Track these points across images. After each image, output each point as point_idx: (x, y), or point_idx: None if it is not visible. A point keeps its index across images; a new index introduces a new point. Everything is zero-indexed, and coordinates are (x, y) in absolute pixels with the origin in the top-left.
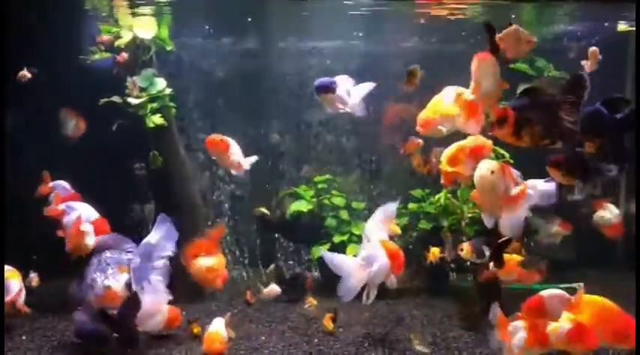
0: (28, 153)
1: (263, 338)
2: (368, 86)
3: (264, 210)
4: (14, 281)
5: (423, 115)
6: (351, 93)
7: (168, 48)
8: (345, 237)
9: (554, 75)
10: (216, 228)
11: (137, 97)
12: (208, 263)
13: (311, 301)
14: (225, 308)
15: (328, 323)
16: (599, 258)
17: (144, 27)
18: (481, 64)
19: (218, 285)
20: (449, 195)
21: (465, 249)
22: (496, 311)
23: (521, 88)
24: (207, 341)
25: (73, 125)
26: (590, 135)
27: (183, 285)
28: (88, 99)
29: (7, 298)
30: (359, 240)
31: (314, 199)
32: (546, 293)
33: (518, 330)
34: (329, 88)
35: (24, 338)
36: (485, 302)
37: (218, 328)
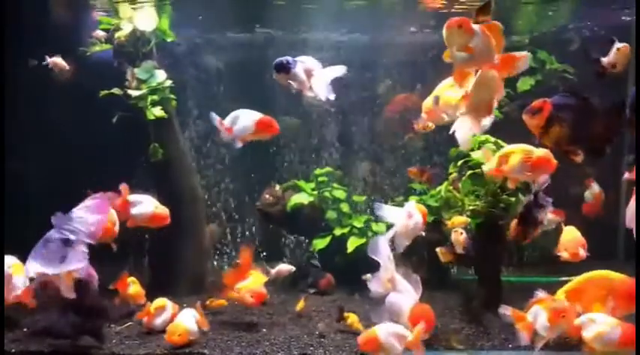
0: (28, 147)
1: (264, 330)
2: (337, 70)
3: (277, 188)
4: (19, 276)
5: (427, 103)
6: (316, 75)
7: (169, 39)
8: (346, 230)
9: (557, 68)
10: (244, 252)
11: (136, 88)
12: (245, 285)
13: (301, 303)
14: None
15: (357, 323)
16: (599, 252)
17: (144, 18)
18: (450, 31)
19: (254, 304)
20: (450, 188)
21: (463, 237)
22: (507, 311)
23: (522, 80)
24: (168, 332)
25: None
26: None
27: (184, 279)
28: (88, 91)
29: (13, 294)
30: (360, 232)
31: (315, 192)
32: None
33: (538, 314)
34: (284, 67)
35: (25, 330)
36: (486, 295)
37: (181, 320)
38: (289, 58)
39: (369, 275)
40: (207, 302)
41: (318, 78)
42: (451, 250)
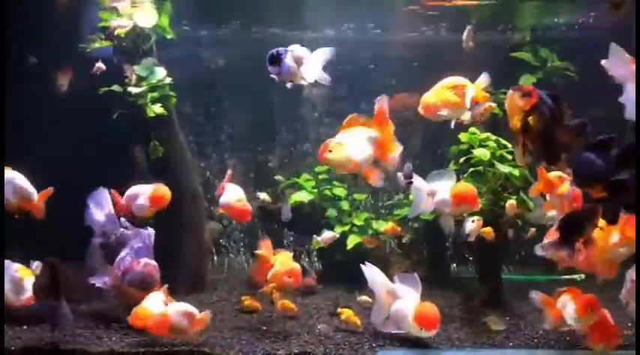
0: (27, 145)
1: (264, 328)
2: (326, 52)
3: (262, 197)
4: (28, 278)
5: (426, 99)
6: (306, 62)
7: (169, 36)
8: (346, 228)
9: (558, 65)
10: (264, 242)
11: (136, 85)
12: (277, 271)
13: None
14: (227, 298)
15: (352, 317)
16: None
17: (144, 15)
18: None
19: (295, 283)
20: None
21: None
22: (537, 296)
23: (524, 78)
24: (131, 315)
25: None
26: (588, 183)
27: (184, 276)
28: (88, 89)
29: (25, 297)
30: (360, 230)
31: (315, 190)
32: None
33: (567, 303)
34: (275, 59)
35: (25, 327)
36: (486, 293)
37: (147, 304)
38: (280, 49)
39: (364, 298)
40: (243, 301)
41: (309, 64)
42: (375, 239)
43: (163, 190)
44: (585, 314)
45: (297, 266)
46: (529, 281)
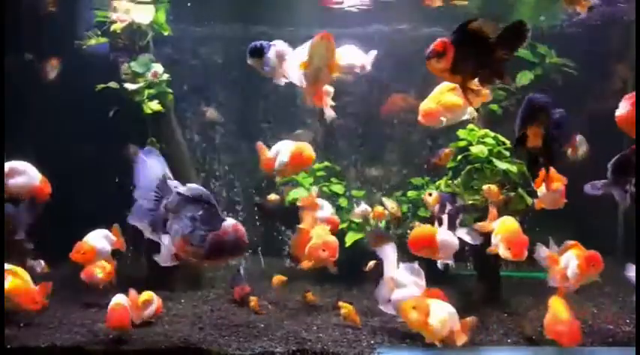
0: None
1: (262, 325)
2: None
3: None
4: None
5: (425, 106)
6: (288, 59)
7: (166, 33)
8: (344, 225)
9: (556, 62)
10: (306, 214)
11: (133, 82)
12: (312, 245)
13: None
14: (224, 295)
15: (353, 313)
16: (598, 247)
17: (141, 11)
18: (318, 42)
19: (330, 257)
20: (449, 182)
21: (433, 197)
22: (543, 250)
23: (521, 74)
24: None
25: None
26: (536, 124)
27: (181, 274)
28: (84, 87)
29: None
30: (358, 227)
31: (313, 187)
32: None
33: (570, 260)
34: (257, 51)
35: (22, 325)
36: (485, 291)
37: (118, 300)
38: (263, 42)
39: (371, 263)
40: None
41: (291, 61)
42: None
43: (304, 148)
44: (586, 270)
45: (333, 239)
46: (527, 278)
